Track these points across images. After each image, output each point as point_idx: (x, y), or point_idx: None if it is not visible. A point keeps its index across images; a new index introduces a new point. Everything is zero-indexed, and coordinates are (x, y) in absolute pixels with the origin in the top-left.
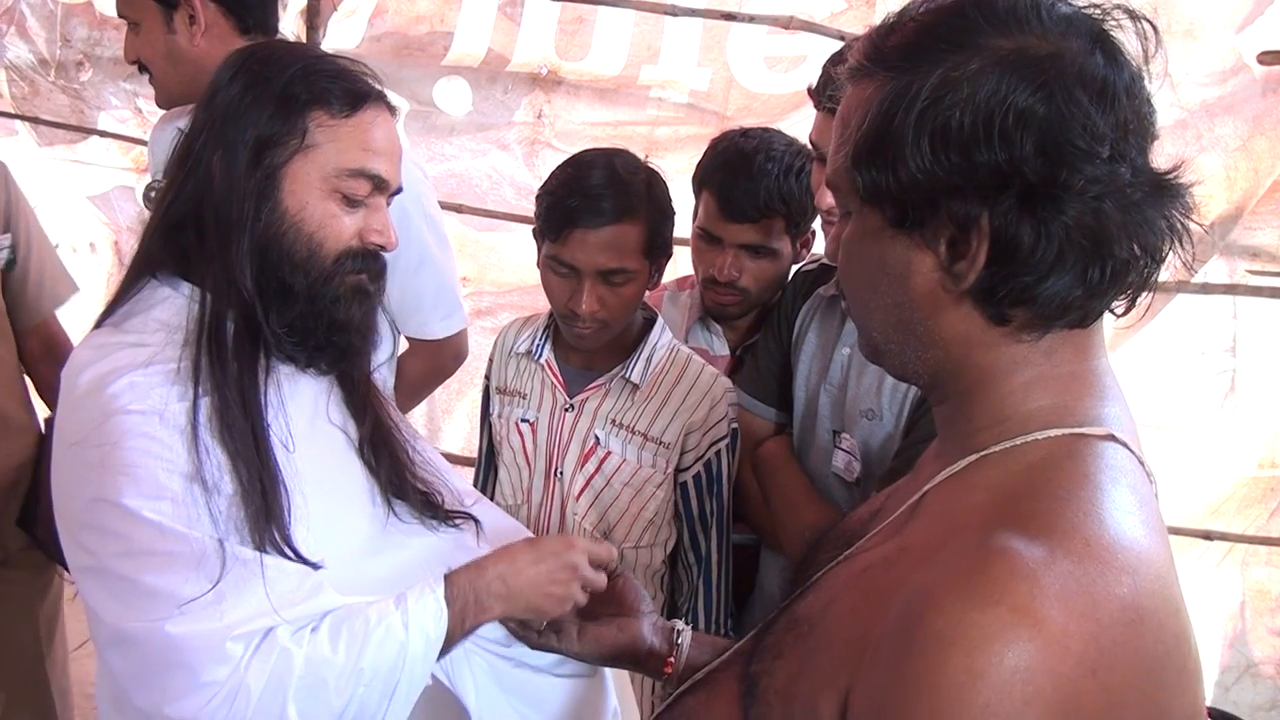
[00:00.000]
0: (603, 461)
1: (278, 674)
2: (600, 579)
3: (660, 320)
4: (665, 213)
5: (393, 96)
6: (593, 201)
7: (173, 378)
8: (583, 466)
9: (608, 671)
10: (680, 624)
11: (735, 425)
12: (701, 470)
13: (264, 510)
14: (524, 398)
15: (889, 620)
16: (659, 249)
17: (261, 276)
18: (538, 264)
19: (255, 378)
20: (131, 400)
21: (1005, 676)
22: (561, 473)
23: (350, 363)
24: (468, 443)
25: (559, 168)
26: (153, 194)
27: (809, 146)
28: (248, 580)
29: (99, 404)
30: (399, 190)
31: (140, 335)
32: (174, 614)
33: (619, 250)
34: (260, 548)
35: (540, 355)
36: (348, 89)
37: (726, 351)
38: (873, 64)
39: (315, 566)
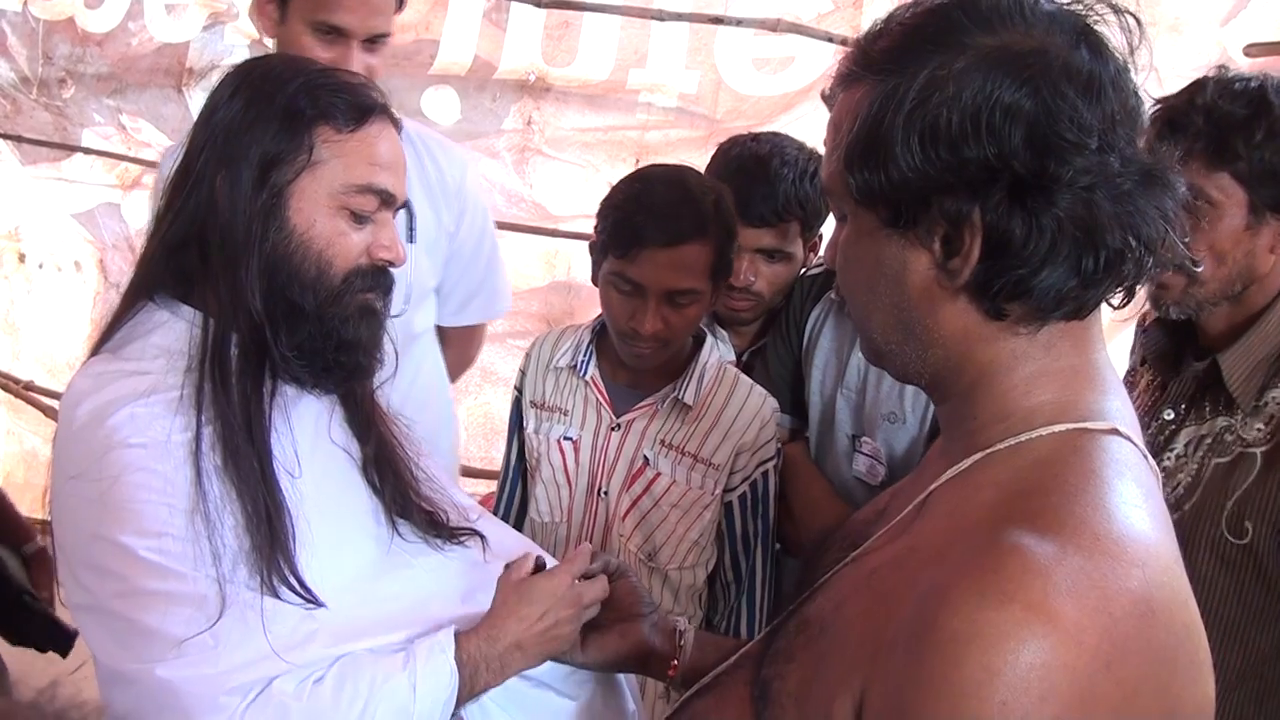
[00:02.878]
0: (651, 483)
1: None
2: (600, 588)
3: (710, 339)
4: (731, 233)
5: None
6: (663, 220)
7: (175, 407)
8: (629, 487)
9: (620, 676)
10: (682, 623)
11: (781, 445)
12: (748, 490)
13: (269, 540)
14: (565, 414)
15: (902, 620)
16: (723, 270)
17: (270, 297)
18: (592, 279)
19: (261, 402)
20: (132, 433)
21: (1021, 673)
22: (606, 493)
23: (356, 381)
24: (464, 450)
25: (625, 182)
26: None
27: (819, 150)
28: (245, 623)
29: (98, 437)
30: (404, 204)
31: (140, 362)
32: (168, 656)
33: (687, 271)
34: (266, 579)
35: (585, 371)
36: (352, 103)
37: (733, 357)
38: (861, 69)
39: (318, 604)
